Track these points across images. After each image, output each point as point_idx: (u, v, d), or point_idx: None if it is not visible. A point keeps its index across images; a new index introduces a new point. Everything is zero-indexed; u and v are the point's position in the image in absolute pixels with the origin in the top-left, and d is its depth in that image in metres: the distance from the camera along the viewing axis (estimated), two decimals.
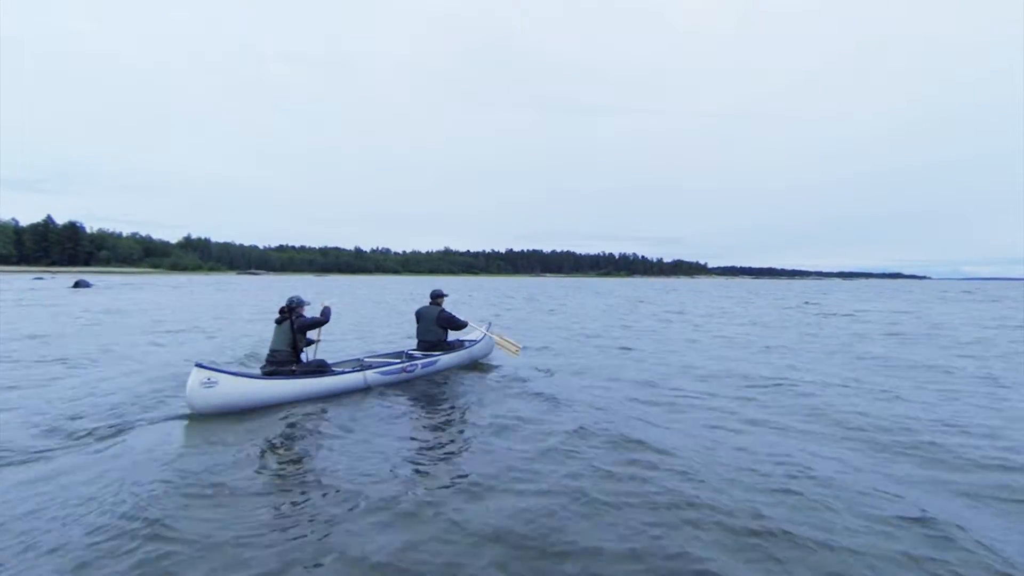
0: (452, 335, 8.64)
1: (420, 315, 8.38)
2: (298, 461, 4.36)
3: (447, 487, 3.81)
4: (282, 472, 4.11)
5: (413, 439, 4.98)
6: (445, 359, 7.95)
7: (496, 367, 8.70)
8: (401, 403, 6.29)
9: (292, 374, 6.18)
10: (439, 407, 6.21)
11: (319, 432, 5.10)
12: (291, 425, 5.25)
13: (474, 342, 8.87)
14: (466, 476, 4.01)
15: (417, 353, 8.07)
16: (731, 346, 11.87)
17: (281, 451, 4.58)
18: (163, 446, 4.53)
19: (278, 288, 40.93)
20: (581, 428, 5.16)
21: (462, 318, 8.42)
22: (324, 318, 6.61)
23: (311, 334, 6.85)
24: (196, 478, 3.84)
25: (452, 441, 4.94)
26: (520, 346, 8.48)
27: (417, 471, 4.12)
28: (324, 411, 5.76)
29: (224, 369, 5.72)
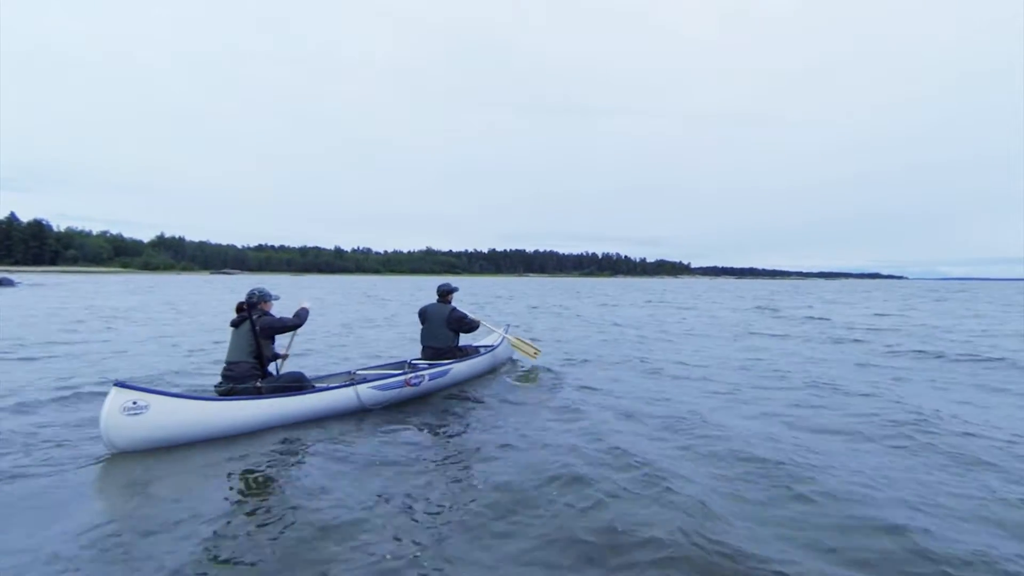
0: (464, 339, 6.94)
1: (425, 315, 6.64)
2: (264, 524, 2.89)
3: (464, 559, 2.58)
4: (241, 537, 2.76)
5: (424, 485, 3.45)
6: (458, 368, 6.26)
7: (518, 373, 7.25)
8: (405, 425, 4.77)
9: (257, 392, 4.62)
10: (454, 432, 4.69)
11: (294, 476, 3.58)
12: (253, 465, 3.72)
13: (490, 347, 7.28)
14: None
15: (422, 363, 6.38)
16: None
17: (241, 509, 3.10)
18: (65, 506, 3.07)
19: (227, 288, 36.67)
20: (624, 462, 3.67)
21: (474, 317, 6.74)
22: (298, 320, 5.01)
23: (280, 341, 5.13)
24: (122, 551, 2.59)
25: (475, 486, 3.45)
26: (539, 349, 7.19)
27: (433, 540, 2.77)
28: (301, 442, 4.22)
29: (157, 389, 4.14)
